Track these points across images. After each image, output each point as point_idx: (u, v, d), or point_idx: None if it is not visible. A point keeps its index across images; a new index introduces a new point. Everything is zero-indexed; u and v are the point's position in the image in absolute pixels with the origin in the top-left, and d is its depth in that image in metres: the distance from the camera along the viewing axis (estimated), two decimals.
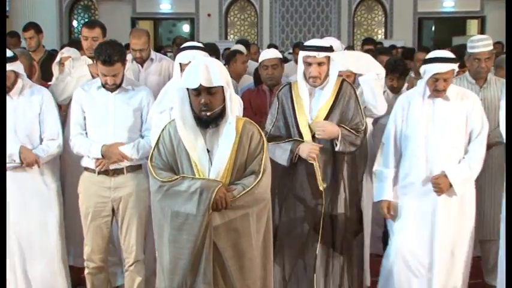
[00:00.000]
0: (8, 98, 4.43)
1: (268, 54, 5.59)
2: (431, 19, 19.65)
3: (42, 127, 4.52)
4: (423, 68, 4.35)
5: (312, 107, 4.36)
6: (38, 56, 6.90)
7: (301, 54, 4.34)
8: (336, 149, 4.26)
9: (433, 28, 20.43)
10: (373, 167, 4.60)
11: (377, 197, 4.57)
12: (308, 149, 4.24)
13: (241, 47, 8.04)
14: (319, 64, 4.26)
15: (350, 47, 12.86)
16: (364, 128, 4.36)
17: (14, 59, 4.40)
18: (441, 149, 4.33)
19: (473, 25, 19.33)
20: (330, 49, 4.32)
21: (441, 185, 4.28)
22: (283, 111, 4.43)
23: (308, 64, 4.28)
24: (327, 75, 4.33)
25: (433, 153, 4.34)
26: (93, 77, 4.94)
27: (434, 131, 4.35)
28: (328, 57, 4.31)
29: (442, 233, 4.36)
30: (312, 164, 4.29)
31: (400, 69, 5.62)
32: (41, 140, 4.52)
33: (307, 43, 4.43)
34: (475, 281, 5.02)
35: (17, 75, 4.45)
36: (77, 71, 5.12)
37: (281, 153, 4.30)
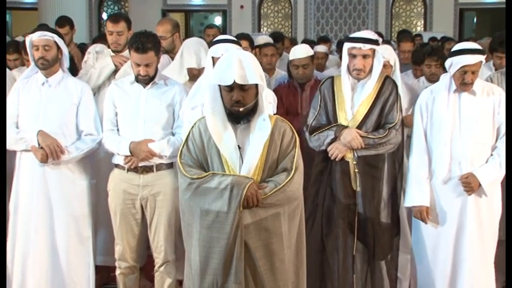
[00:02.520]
0: (46, 86, 4.55)
1: (298, 53, 5.59)
2: (473, 10, 19.39)
3: (78, 120, 4.58)
4: (449, 61, 4.27)
5: (353, 102, 4.38)
6: (69, 50, 6.96)
7: (346, 46, 4.37)
8: (357, 154, 4.28)
9: (475, 20, 20.15)
10: (408, 164, 4.50)
11: (413, 201, 4.41)
12: (351, 137, 4.25)
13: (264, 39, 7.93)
14: (364, 56, 4.29)
15: (387, 42, 12.73)
16: (395, 123, 4.33)
17: (58, 32, 4.65)
18: (468, 146, 4.26)
19: None
20: (375, 42, 4.34)
21: (471, 184, 4.22)
22: (325, 105, 4.46)
23: (353, 56, 4.32)
24: (370, 69, 4.35)
25: (460, 151, 4.27)
26: (116, 66, 5.08)
27: (460, 127, 4.28)
28: (374, 50, 4.33)
29: (470, 234, 4.29)
30: (348, 162, 4.31)
31: (439, 54, 5.54)
32: (78, 132, 4.58)
33: (353, 35, 4.48)
34: None
35: (58, 56, 4.56)
36: (99, 62, 5.24)
37: (324, 139, 4.33)
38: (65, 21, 7.20)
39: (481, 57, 4.22)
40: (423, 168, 4.40)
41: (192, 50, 5.01)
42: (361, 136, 4.26)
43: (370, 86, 4.37)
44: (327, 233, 4.39)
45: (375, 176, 4.37)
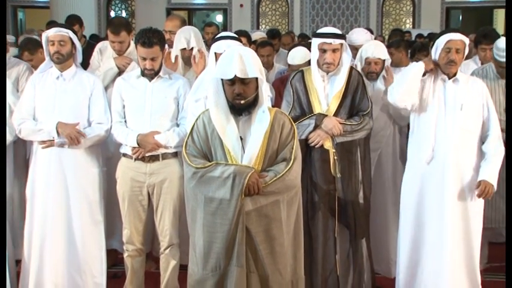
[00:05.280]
0: (60, 80, 4.53)
1: (297, 59, 5.54)
2: (458, 8, 19.41)
3: (90, 111, 4.57)
4: (435, 45, 4.26)
5: (326, 93, 4.38)
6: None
7: (316, 41, 4.35)
8: (336, 141, 4.29)
9: (460, 17, 20.14)
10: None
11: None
12: (332, 124, 4.25)
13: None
14: (334, 51, 4.29)
15: (379, 36, 12.76)
16: (368, 111, 4.36)
17: (73, 28, 4.62)
18: (453, 131, 4.23)
19: (500, 14, 19.02)
20: (343, 37, 4.37)
21: (488, 189, 4.19)
22: (298, 98, 4.45)
23: (323, 51, 4.31)
24: (339, 62, 4.34)
25: (444, 136, 4.24)
26: (119, 69, 5.06)
27: (445, 114, 4.26)
28: (342, 44, 4.33)
29: (452, 216, 4.24)
30: (327, 150, 4.32)
31: (428, 49, 5.55)
32: (90, 124, 4.56)
33: (321, 30, 4.46)
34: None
35: (72, 51, 4.54)
36: (103, 65, 5.22)
37: (305, 128, 4.31)
38: (74, 20, 7.16)
39: (464, 37, 4.20)
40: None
41: (182, 35, 4.98)
42: (340, 123, 4.27)
43: (341, 78, 4.35)
44: (311, 217, 4.39)
45: (351, 160, 4.38)
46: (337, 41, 4.28)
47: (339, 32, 4.39)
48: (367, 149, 4.53)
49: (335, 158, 4.30)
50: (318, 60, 4.36)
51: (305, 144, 4.32)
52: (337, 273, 4.39)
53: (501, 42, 4.94)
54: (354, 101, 4.38)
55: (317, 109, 4.35)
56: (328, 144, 4.31)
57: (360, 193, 4.41)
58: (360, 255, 4.45)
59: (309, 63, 5.48)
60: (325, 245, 4.38)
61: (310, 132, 4.29)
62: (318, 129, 4.28)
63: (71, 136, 4.40)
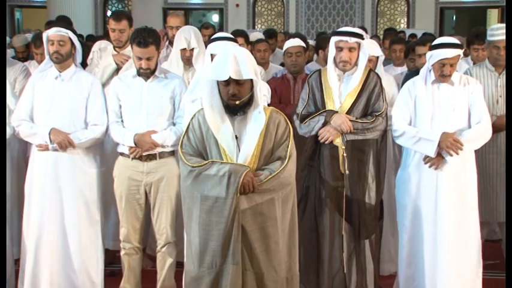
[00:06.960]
0: (59, 80, 4.52)
1: (292, 42, 5.65)
2: (452, 9, 19.42)
3: (87, 112, 4.55)
4: (429, 54, 4.31)
5: (340, 91, 4.38)
6: None
7: (333, 39, 4.37)
8: (346, 138, 4.28)
9: (454, 17, 20.17)
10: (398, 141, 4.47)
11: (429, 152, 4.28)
12: (341, 121, 4.25)
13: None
14: (350, 49, 4.30)
15: (374, 36, 12.76)
16: (381, 111, 4.35)
17: (73, 28, 4.60)
18: (446, 131, 4.24)
19: (493, 14, 19.05)
20: (361, 36, 4.36)
21: (455, 144, 4.20)
22: (313, 96, 4.46)
23: (340, 49, 4.32)
24: (356, 62, 4.35)
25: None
26: (118, 65, 5.08)
27: (440, 115, 4.29)
28: (359, 44, 4.33)
29: (447, 214, 4.27)
30: (336, 147, 4.31)
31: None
32: (86, 125, 4.55)
33: (340, 29, 4.49)
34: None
35: (72, 51, 4.53)
36: (102, 61, 5.24)
37: (314, 124, 4.33)
38: (62, 22, 7.11)
39: (459, 51, 4.25)
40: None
41: (182, 35, 4.98)
42: (350, 120, 4.26)
43: (356, 78, 4.36)
44: (319, 213, 4.38)
45: (362, 159, 4.37)
46: (353, 40, 4.28)
47: (356, 31, 4.41)
48: (383, 151, 4.49)
49: (344, 154, 4.30)
50: (334, 59, 4.37)
51: (315, 140, 4.34)
52: (344, 271, 4.37)
53: (495, 25, 5.04)
54: (369, 101, 4.38)
55: (329, 107, 4.36)
56: (337, 141, 4.31)
57: (368, 193, 4.39)
58: (362, 256, 4.42)
59: (304, 49, 5.54)
60: (333, 243, 4.37)
61: (320, 128, 4.30)
62: (327, 126, 4.28)
63: (61, 145, 4.41)
